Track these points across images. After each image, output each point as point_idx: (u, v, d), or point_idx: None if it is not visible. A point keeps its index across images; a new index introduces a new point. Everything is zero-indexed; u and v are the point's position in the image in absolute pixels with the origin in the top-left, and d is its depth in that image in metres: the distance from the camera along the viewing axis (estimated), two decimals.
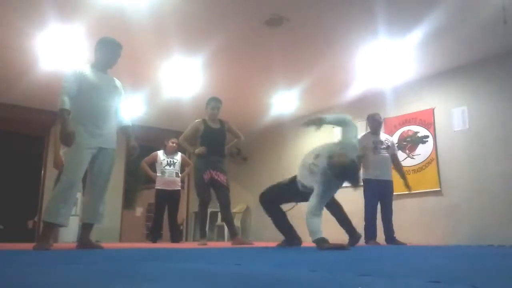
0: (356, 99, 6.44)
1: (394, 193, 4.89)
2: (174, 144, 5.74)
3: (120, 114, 3.34)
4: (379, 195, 4.73)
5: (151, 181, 6.15)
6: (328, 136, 6.86)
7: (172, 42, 4.69)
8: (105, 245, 3.58)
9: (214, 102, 4.68)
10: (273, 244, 3.93)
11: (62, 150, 3.73)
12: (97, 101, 3.12)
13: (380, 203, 4.75)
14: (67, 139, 2.90)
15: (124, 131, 3.41)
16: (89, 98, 3.08)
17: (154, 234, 5.86)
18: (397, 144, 5.89)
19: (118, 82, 3.35)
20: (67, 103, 2.92)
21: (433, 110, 5.60)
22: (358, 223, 4.73)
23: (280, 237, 3.72)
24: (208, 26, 4.38)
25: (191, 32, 4.49)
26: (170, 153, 5.85)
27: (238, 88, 6.16)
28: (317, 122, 3.00)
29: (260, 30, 4.43)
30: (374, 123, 4.93)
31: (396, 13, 4.10)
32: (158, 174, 5.79)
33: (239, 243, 4.38)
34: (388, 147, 4.89)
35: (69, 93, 2.97)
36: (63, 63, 4.96)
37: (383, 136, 4.99)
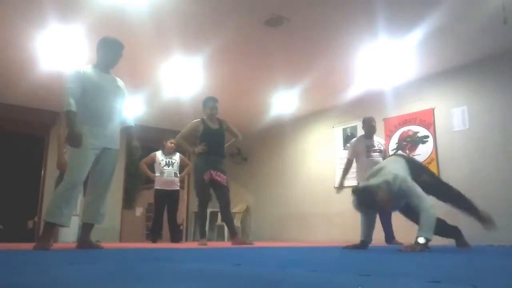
0: (356, 99, 6.44)
1: None
2: (173, 145, 5.74)
3: (123, 114, 3.34)
4: None
5: (151, 181, 6.16)
6: (327, 136, 6.89)
7: (172, 42, 4.69)
8: (105, 245, 3.58)
9: (212, 103, 4.67)
10: (273, 244, 3.92)
11: (65, 150, 3.74)
12: (101, 102, 3.12)
13: None
14: (75, 140, 2.89)
15: (126, 131, 3.41)
16: (93, 99, 3.08)
17: (154, 234, 5.87)
18: (397, 144, 5.91)
19: (120, 82, 3.34)
20: (73, 104, 2.91)
21: (433, 110, 5.59)
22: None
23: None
24: (208, 26, 4.38)
25: (191, 32, 4.49)
26: (168, 153, 5.85)
27: (238, 88, 6.15)
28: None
29: (260, 30, 4.43)
30: (368, 128, 5.07)
31: (396, 13, 4.10)
32: (157, 174, 5.80)
33: (239, 243, 4.38)
34: (380, 151, 5.03)
35: (73, 95, 2.96)
36: (63, 63, 4.96)
37: (376, 140, 5.10)
